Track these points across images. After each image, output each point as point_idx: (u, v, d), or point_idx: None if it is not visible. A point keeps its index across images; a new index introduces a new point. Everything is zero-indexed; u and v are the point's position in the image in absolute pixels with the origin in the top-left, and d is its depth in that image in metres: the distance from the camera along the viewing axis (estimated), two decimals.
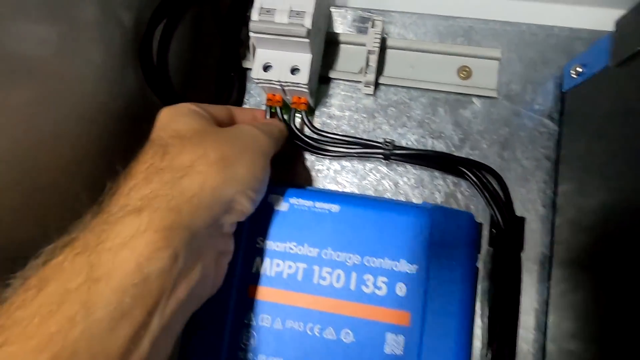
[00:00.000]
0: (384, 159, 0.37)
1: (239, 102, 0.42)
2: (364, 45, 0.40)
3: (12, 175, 0.26)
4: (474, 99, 0.39)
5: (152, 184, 0.23)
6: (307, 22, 0.32)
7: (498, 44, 0.40)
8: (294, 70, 0.35)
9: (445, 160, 0.37)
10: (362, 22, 0.42)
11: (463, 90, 0.39)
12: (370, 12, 0.42)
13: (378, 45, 0.37)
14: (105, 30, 0.31)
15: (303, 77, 0.34)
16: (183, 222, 0.23)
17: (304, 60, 0.35)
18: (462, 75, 0.40)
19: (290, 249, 0.29)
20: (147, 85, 0.33)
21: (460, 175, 0.38)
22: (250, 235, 0.30)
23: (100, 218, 0.22)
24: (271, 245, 0.30)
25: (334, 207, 0.30)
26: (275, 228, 0.30)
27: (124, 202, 0.22)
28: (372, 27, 0.37)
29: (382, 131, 0.40)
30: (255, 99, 0.42)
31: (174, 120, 0.29)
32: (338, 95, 0.41)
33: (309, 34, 0.32)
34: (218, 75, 0.39)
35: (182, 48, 0.40)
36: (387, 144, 0.36)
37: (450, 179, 0.39)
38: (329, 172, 0.40)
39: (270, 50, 0.35)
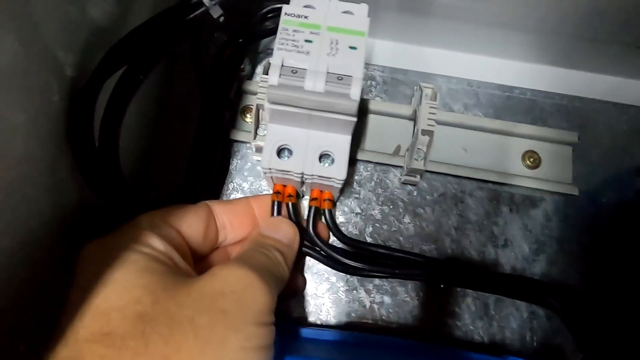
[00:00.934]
0: (445, 285, 0.26)
1: (218, 190, 0.29)
2: (402, 117, 0.30)
3: None
4: (546, 196, 0.30)
5: None
6: (356, 93, 0.21)
7: (567, 124, 0.31)
8: (322, 157, 0.24)
9: (525, 286, 0.26)
10: (394, 86, 0.32)
11: (531, 183, 0.30)
12: (404, 74, 0.32)
13: (434, 123, 0.26)
14: (28, 83, 0.18)
15: (339, 169, 0.23)
16: None
17: (340, 143, 0.23)
18: (528, 162, 0.30)
19: None
20: (80, 174, 0.20)
21: (542, 303, 0.27)
22: None
23: None
24: None
25: None
26: None
27: None
28: (425, 98, 0.27)
29: (427, 235, 0.29)
30: (249, 184, 0.30)
31: (103, 285, 0.16)
32: (365, 183, 0.30)
33: (357, 111, 0.21)
34: (193, 151, 0.26)
35: (143, 110, 0.27)
36: (449, 264, 0.25)
37: (524, 306, 0.28)
38: (358, 294, 0.28)
39: (289, 127, 0.23)
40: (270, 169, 0.23)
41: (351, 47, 0.22)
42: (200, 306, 0.16)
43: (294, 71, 0.21)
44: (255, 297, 0.17)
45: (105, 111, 0.21)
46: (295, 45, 0.22)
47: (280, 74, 0.21)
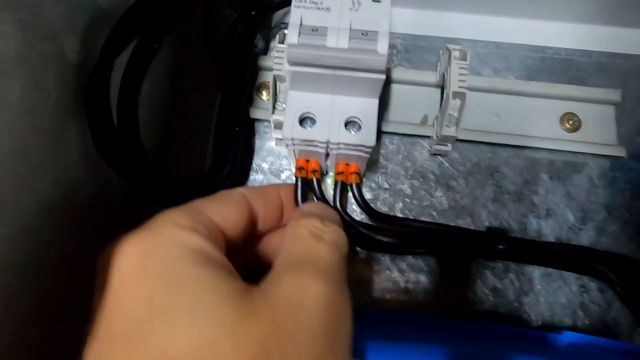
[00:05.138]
0: (486, 258, 0.24)
1: (246, 172, 0.28)
2: (427, 85, 0.28)
3: None
4: (589, 160, 0.28)
5: None
6: (383, 47, 0.19)
7: (608, 83, 0.29)
8: (348, 124, 0.22)
9: (581, 257, 0.24)
10: (417, 54, 0.30)
11: (572, 147, 0.27)
12: (427, 40, 0.30)
13: (466, 85, 0.24)
14: (29, 67, 0.16)
15: (368, 135, 0.21)
16: None
17: (368, 107, 0.21)
18: (567, 125, 0.28)
19: None
20: (102, 157, 0.19)
21: (595, 274, 0.25)
22: None
23: None
24: None
25: None
26: None
27: None
28: (454, 59, 0.25)
29: (463, 208, 0.27)
30: (269, 164, 0.28)
31: (161, 317, 0.13)
32: (392, 156, 0.28)
33: (385, 67, 0.19)
34: (217, 133, 0.25)
35: (154, 91, 0.26)
36: (496, 236, 0.23)
37: (573, 279, 0.26)
38: (391, 274, 0.26)
39: (312, 94, 0.22)
40: (292, 139, 0.21)
41: (375, 1, 0.20)
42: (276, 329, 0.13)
43: (314, 29, 0.20)
44: (340, 316, 0.15)
45: (121, 86, 0.20)
46: (313, 2, 0.20)
47: (299, 33, 0.20)
